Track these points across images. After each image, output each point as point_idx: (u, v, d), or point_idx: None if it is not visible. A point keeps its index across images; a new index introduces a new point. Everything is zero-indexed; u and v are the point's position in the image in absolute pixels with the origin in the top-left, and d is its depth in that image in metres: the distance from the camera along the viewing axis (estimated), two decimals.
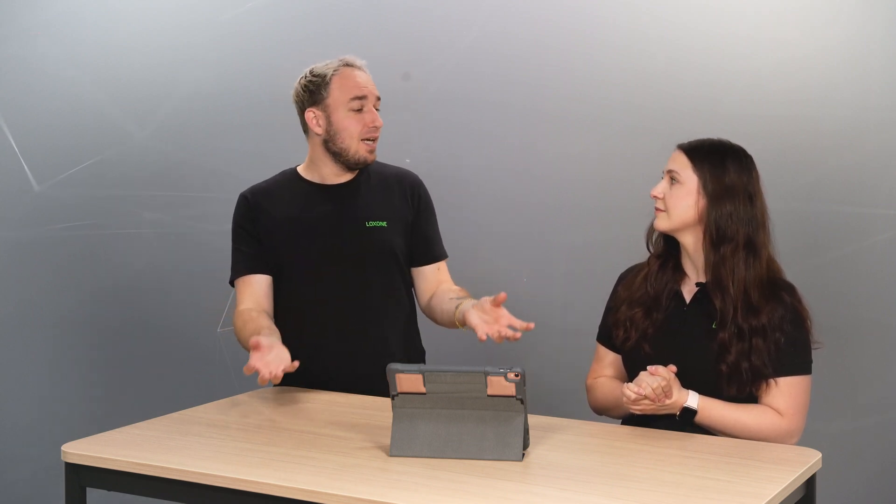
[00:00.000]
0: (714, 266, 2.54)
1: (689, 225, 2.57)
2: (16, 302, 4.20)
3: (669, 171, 2.60)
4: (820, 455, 2.35)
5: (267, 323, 2.84)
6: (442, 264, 3.02)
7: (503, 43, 3.76)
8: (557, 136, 3.72)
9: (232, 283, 2.99)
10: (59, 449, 2.35)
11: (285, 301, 2.95)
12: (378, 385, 2.60)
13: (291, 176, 3.01)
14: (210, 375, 4.07)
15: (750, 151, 2.61)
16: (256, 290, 2.92)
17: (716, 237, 2.54)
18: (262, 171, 3.98)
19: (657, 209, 2.61)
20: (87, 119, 4.12)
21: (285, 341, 2.84)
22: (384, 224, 2.92)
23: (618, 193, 3.64)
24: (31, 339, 4.19)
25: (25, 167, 4.12)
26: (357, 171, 2.96)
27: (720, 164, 2.56)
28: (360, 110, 2.87)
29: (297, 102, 2.96)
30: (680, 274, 2.65)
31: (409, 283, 3.02)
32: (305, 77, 2.94)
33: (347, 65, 2.90)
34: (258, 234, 2.94)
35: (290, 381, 2.91)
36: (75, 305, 4.17)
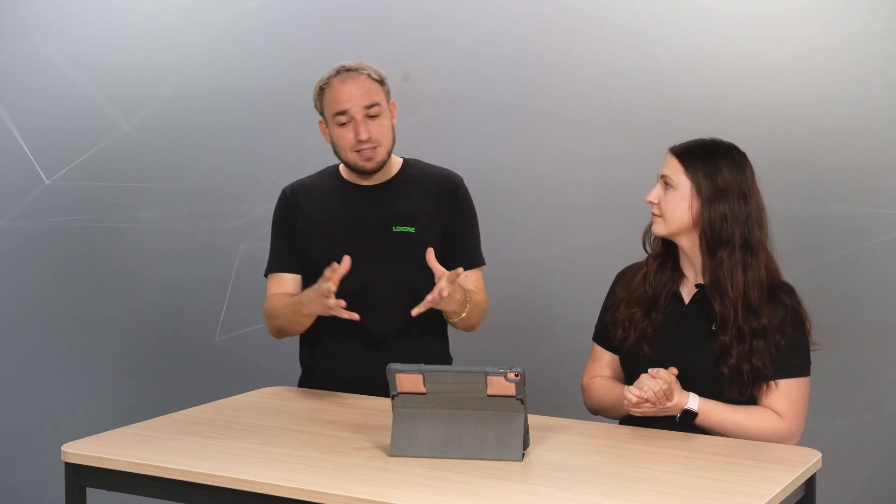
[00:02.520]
0: (712, 271, 2.53)
1: (685, 229, 2.56)
2: (15, 302, 4.19)
3: (663, 176, 2.59)
4: (820, 455, 2.34)
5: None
6: (472, 272, 2.90)
7: (504, 43, 3.76)
8: (557, 137, 3.72)
9: (266, 275, 2.98)
10: (59, 449, 2.35)
11: None
12: None
13: (332, 173, 2.98)
14: (209, 375, 4.07)
15: (750, 151, 2.61)
16: (287, 287, 2.92)
17: (711, 241, 2.53)
18: (262, 170, 3.99)
19: (653, 214, 2.61)
20: (85, 116, 4.11)
21: (308, 341, 2.95)
22: (412, 230, 2.87)
23: (618, 193, 3.63)
24: (31, 339, 4.19)
25: (34, 162, 4.12)
26: (390, 173, 2.92)
27: (712, 164, 2.54)
28: (345, 124, 2.81)
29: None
30: (678, 274, 2.64)
31: None
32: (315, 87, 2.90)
33: (339, 73, 2.83)
34: (292, 232, 2.92)
35: (310, 381, 2.93)
36: (76, 305, 4.16)
